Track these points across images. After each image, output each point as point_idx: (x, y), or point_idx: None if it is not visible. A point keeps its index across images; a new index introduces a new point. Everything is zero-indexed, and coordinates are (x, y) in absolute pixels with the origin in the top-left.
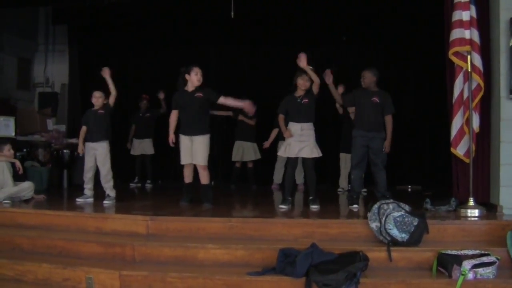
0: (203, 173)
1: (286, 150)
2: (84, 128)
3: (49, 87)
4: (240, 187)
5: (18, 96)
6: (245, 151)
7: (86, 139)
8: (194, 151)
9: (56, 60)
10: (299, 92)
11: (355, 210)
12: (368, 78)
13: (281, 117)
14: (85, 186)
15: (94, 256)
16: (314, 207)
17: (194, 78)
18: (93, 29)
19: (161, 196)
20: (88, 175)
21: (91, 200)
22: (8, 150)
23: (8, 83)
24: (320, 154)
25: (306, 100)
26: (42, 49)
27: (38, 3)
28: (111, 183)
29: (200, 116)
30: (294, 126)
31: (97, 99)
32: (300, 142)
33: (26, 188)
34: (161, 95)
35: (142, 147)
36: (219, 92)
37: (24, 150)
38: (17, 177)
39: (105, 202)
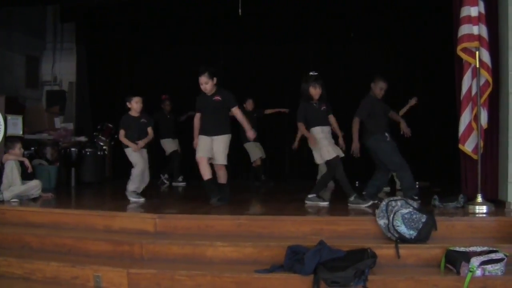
0: (220, 172)
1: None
2: None
3: (57, 85)
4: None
5: (26, 95)
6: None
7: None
8: (215, 150)
9: (64, 59)
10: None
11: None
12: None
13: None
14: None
15: (103, 254)
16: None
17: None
18: (101, 28)
19: (169, 194)
20: None
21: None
22: (19, 148)
23: (16, 82)
24: None
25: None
26: (50, 47)
27: (46, 2)
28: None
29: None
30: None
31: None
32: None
33: (34, 186)
34: None
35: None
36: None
37: (32, 148)
38: (26, 176)
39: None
